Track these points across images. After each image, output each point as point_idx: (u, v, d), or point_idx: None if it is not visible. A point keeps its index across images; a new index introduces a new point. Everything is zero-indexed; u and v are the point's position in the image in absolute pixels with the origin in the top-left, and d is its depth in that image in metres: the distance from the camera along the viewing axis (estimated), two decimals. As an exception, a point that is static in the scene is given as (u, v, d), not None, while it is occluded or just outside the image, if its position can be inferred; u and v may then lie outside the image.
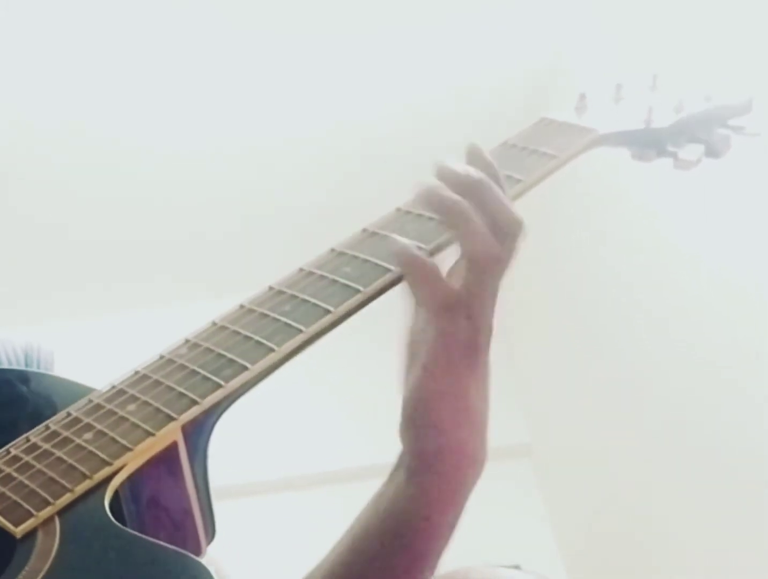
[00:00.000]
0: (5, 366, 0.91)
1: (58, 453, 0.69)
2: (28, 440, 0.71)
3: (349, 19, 2.51)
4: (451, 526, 0.81)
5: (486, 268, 0.75)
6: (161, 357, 0.75)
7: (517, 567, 2.64)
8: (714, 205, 2.00)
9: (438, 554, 0.81)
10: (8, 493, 0.67)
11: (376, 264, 0.79)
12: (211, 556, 0.89)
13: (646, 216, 2.25)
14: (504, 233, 0.76)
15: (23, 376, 0.84)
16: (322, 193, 2.85)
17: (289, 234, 2.92)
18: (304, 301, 0.77)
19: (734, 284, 1.99)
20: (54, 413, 0.74)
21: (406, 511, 0.80)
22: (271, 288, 0.79)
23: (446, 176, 0.81)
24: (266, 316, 0.77)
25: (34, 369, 0.92)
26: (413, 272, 0.76)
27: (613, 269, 2.44)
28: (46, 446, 0.70)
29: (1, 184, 2.67)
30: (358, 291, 0.77)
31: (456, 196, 0.78)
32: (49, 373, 0.90)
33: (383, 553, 0.81)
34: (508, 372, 2.74)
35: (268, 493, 2.72)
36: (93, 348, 2.63)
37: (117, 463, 0.68)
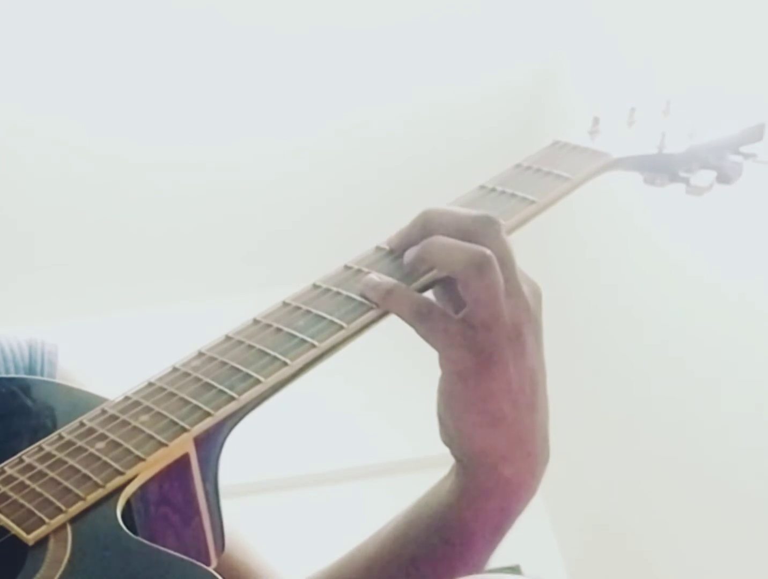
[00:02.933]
0: (9, 359, 0.92)
1: (71, 462, 0.70)
2: (41, 449, 0.71)
3: (349, 21, 2.52)
4: (488, 541, 0.81)
5: (470, 274, 0.74)
6: (175, 369, 0.76)
7: (516, 567, 2.65)
8: (721, 229, 2.01)
9: (472, 565, 0.81)
10: (21, 501, 0.67)
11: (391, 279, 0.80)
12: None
13: (646, 235, 2.27)
14: (471, 234, 0.76)
15: (27, 385, 0.84)
16: (323, 194, 2.87)
17: (292, 235, 2.93)
18: (318, 316, 0.78)
19: (739, 307, 2.00)
20: (58, 422, 0.75)
21: (447, 510, 0.81)
22: (285, 303, 0.80)
23: (400, 240, 0.82)
24: (280, 330, 0.77)
25: (38, 362, 0.93)
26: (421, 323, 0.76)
27: (614, 279, 2.45)
28: (59, 455, 0.70)
29: (3, 185, 2.68)
30: (371, 307, 0.78)
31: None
32: (54, 380, 0.90)
33: (422, 551, 0.82)
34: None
35: (274, 492, 2.73)
36: (94, 347, 2.65)
37: (129, 473, 0.68)
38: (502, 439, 0.77)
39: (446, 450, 0.83)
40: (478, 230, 0.76)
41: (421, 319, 0.75)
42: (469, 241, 0.75)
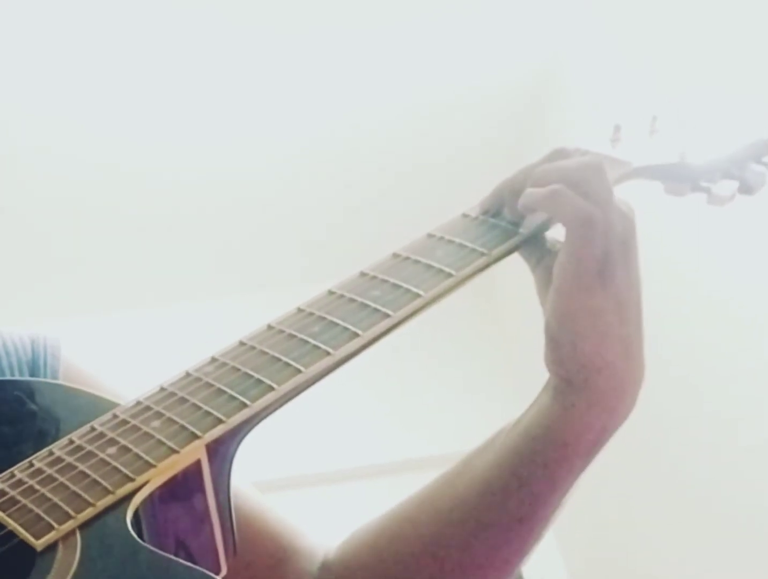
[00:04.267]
0: (12, 354, 0.91)
1: (82, 467, 0.69)
2: (51, 453, 0.70)
3: (349, 22, 2.52)
4: (584, 461, 0.81)
5: (588, 172, 0.78)
6: (187, 374, 0.75)
7: (519, 577, 2.64)
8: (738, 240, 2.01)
9: (567, 492, 0.82)
10: (30, 505, 0.66)
11: (407, 289, 0.78)
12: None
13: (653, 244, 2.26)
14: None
15: (33, 388, 0.83)
16: (323, 196, 2.87)
17: (292, 237, 2.93)
18: (333, 323, 0.76)
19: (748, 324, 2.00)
20: (65, 426, 0.74)
21: (547, 432, 0.80)
22: (299, 309, 0.79)
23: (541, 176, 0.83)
24: (294, 337, 0.76)
25: (41, 355, 0.92)
26: (557, 197, 0.78)
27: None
28: (70, 460, 0.69)
29: (7, 183, 2.67)
30: (387, 315, 0.76)
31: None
32: (60, 383, 0.89)
33: (519, 475, 0.81)
34: (511, 380, 2.74)
35: (276, 492, 2.72)
36: (94, 347, 2.63)
37: (140, 479, 0.67)
38: (610, 349, 0.78)
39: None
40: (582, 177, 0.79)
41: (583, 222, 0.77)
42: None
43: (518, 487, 0.81)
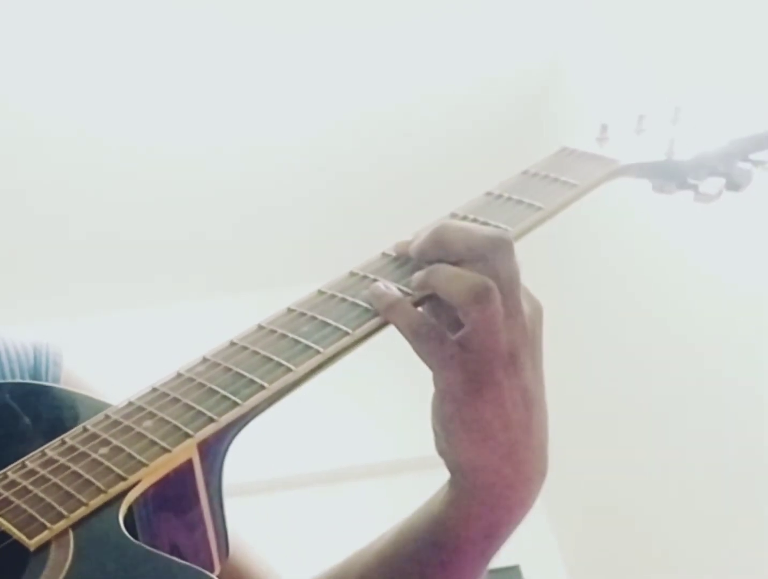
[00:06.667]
0: (14, 361, 0.91)
1: (74, 467, 0.69)
2: (44, 454, 0.71)
3: (349, 22, 2.53)
4: (481, 552, 0.80)
5: (468, 300, 0.73)
6: (179, 375, 0.75)
7: (516, 567, 2.64)
8: (731, 236, 2.01)
9: (466, 575, 0.81)
10: (23, 506, 0.67)
11: (397, 288, 0.79)
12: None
13: (653, 240, 2.26)
14: (481, 254, 0.74)
15: (30, 390, 0.84)
16: (323, 195, 2.87)
17: (291, 236, 2.93)
18: (323, 322, 0.77)
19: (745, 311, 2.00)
20: (61, 427, 0.74)
21: (437, 518, 0.80)
22: (290, 309, 0.79)
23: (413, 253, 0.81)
24: (285, 336, 0.76)
25: (43, 363, 0.92)
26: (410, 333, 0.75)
27: (620, 285, 2.45)
28: (62, 460, 0.70)
29: (7, 183, 2.68)
30: (376, 314, 0.77)
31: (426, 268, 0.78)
32: (58, 386, 0.90)
33: (414, 561, 0.81)
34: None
35: (274, 492, 2.73)
36: (94, 347, 2.64)
37: (132, 479, 0.68)
38: (492, 456, 0.76)
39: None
40: (488, 251, 0.74)
41: (419, 337, 0.75)
42: (478, 260, 0.74)
43: (409, 573, 0.81)
